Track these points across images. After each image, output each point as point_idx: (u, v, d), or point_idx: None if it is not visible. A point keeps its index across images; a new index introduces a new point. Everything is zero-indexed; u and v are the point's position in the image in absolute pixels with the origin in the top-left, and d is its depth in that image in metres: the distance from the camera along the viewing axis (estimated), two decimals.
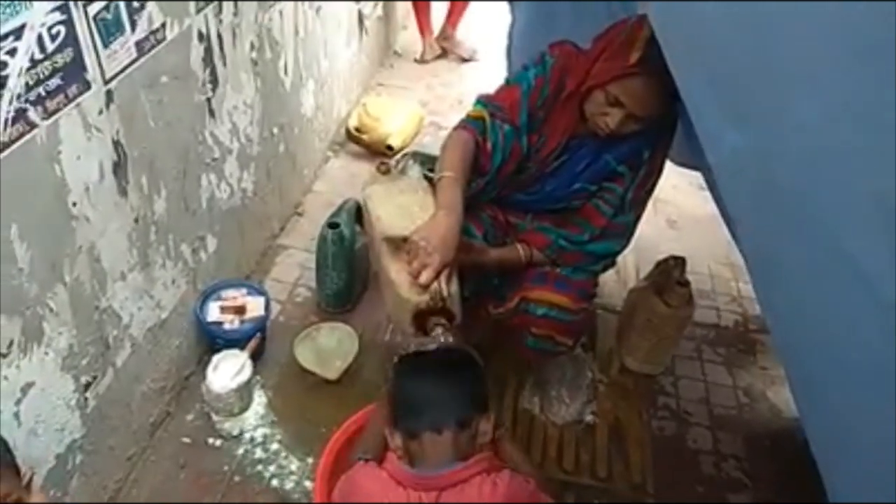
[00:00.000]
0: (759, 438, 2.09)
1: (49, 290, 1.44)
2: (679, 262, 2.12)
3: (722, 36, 0.95)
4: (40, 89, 1.32)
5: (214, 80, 1.98)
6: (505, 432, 1.45)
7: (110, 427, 1.72)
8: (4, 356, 1.34)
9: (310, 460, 1.91)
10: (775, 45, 0.85)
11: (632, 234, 1.86)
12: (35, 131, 1.32)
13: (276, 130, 2.46)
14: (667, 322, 2.10)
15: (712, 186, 1.76)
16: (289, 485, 1.86)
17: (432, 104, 3.55)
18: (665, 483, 1.95)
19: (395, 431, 1.32)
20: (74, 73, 1.40)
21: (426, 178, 2.50)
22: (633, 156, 1.72)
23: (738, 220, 1.18)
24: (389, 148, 2.99)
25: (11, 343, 1.35)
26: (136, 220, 1.71)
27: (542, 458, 1.98)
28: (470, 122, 1.70)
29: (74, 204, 1.47)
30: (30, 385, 1.42)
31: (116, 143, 1.58)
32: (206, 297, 2.08)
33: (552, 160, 1.75)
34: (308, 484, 1.86)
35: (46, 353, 1.46)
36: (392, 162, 2.45)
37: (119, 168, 1.60)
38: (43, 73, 1.32)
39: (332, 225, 2.18)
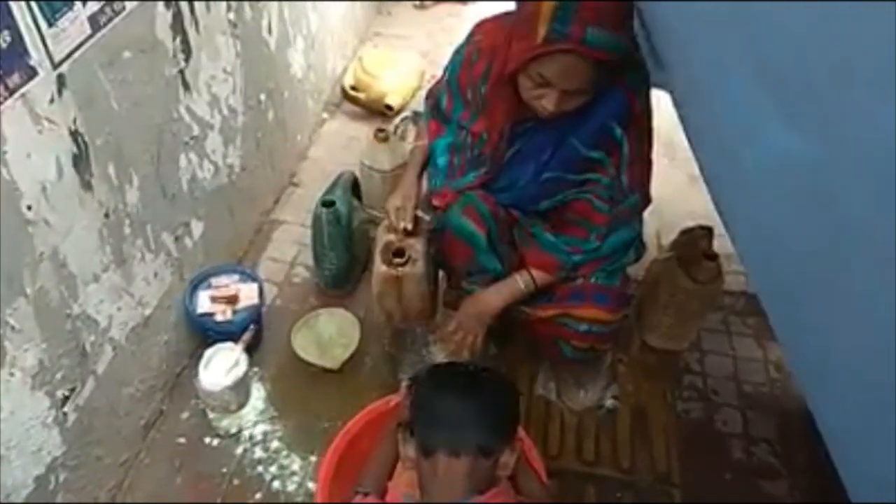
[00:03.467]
0: (792, 419, 1.94)
1: (8, 306, 1.29)
2: (706, 232, 1.94)
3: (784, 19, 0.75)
4: None
5: (187, 49, 1.78)
6: (519, 456, 1.32)
7: (96, 438, 1.61)
8: None
9: (312, 459, 1.80)
10: (855, 41, 0.65)
11: (645, 198, 1.67)
12: None
13: (262, 97, 2.26)
14: (693, 298, 1.93)
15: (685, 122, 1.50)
16: (291, 486, 1.75)
17: (433, 54, 3.30)
18: (692, 471, 1.82)
19: (409, 440, 1.20)
20: (14, 59, 1.22)
21: None
22: (603, 137, 1.52)
23: (769, 228, 1.00)
24: (388, 108, 2.78)
25: None
26: (107, 215, 1.55)
27: (559, 448, 1.85)
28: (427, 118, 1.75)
29: (29, 208, 1.31)
30: None
31: (75, 134, 1.40)
32: (194, 286, 1.94)
33: (503, 150, 1.60)
34: (311, 485, 1.75)
35: (12, 375, 1.32)
36: (390, 128, 2.26)
37: (80, 160, 1.43)
38: None
39: (327, 203, 2.01)
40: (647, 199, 1.67)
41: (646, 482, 1.79)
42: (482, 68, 1.56)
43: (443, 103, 1.69)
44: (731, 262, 2.31)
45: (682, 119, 1.26)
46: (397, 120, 2.31)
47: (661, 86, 1.64)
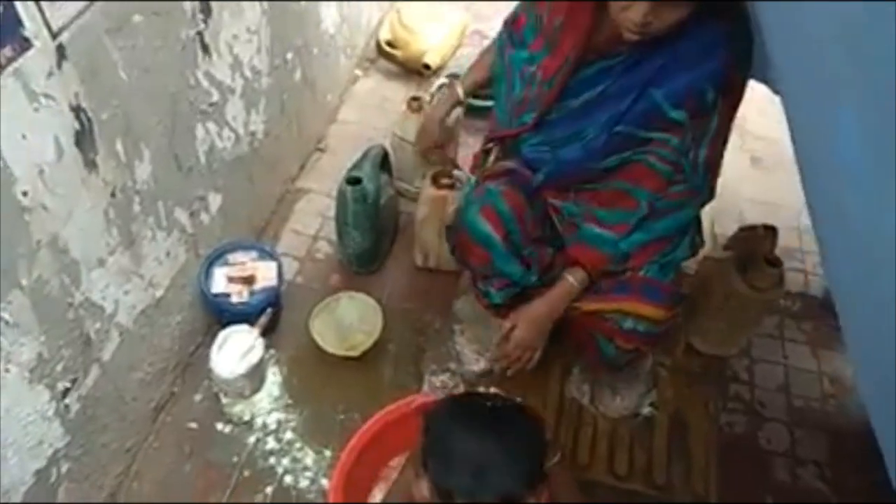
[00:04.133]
0: (845, 440, 1.79)
1: (2, 300, 1.19)
2: (769, 233, 1.75)
3: None
4: None
5: (206, 9, 1.61)
6: (559, 463, 1.21)
7: (101, 426, 1.53)
8: None
9: (327, 453, 1.71)
10: None
11: (711, 191, 1.51)
12: None
13: (289, 56, 2.09)
14: (748, 305, 1.76)
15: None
16: (303, 482, 1.67)
17: (477, 5, 3.07)
18: (731, 492, 1.69)
19: (423, 476, 1.09)
20: (5, 30, 1.08)
21: (467, 106, 2.15)
22: (691, 96, 1.34)
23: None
24: (426, 67, 2.59)
25: None
26: (113, 195, 1.43)
27: (589, 458, 1.73)
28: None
29: (25, 193, 1.19)
30: None
31: (76, 109, 1.27)
32: (210, 263, 1.83)
33: (560, 78, 1.43)
34: (324, 482, 1.66)
35: (7, 370, 1.23)
36: (425, 96, 2.08)
37: (83, 138, 1.30)
38: None
39: (353, 180, 1.86)
40: (712, 192, 1.51)
41: (682, 502, 1.67)
42: None
43: (518, 17, 1.54)
44: (790, 259, 2.14)
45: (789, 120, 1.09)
46: (433, 87, 2.13)
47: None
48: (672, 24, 1.23)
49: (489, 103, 1.70)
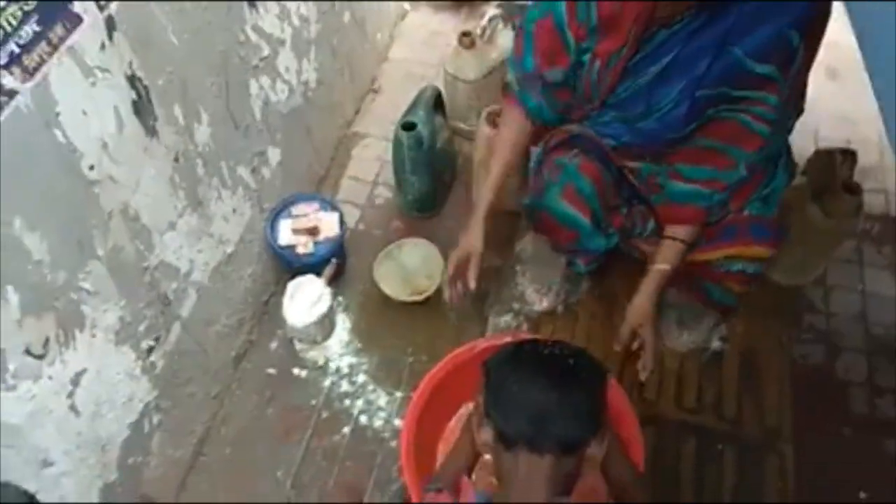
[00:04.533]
0: None
1: (80, 270, 1.25)
2: (848, 157, 1.65)
3: None
4: (11, 45, 1.03)
5: None
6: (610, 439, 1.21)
7: (186, 378, 1.62)
8: (43, 357, 1.20)
9: (398, 394, 1.77)
10: None
11: (800, 110, 1.42)
12: (16, 101, 1.06)
13: None
14: (825, 234, 1.69)
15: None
16: (377, 422, 1.74)
17: None
18: (806, 425, 1.67)
19: (486, 424, 1.08)
20: (55, 8, 1.09)
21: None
22: (778, 46, 1.20)
23: None
24: None
25: (47, 341, 1.20)
26: (176, 160, 1.46)
27: (657, 393, 1.74)
28: (508, 90, 1.47)
29: (91, 167, 1.23)
30: (81, 373, 1.29)
31: (132, 79, 1.29)
32: (274, 216, 1.87)
33: (622, 58, 1.29)
34: (398, 422, 1.73)
35: (93, 336, 1.31)
36: (476, 30, 2.01)
37: (142, 106, 1.33)
38: (9, 23, 1.03)
39: (407, 126, 1.84)
40: (801, 110, 1.41)
41: (753, 436, 1.66)
42: None
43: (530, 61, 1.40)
44: (869, 179, 2.02)
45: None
46: (484, 20, 2.05)
47: None
48: None
49: None
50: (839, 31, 2.29)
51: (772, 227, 1.42)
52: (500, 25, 2.05)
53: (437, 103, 1.98)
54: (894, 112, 0.91)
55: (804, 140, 2.12)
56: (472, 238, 1.50)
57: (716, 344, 1.78)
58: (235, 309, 1.80)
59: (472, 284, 1.49)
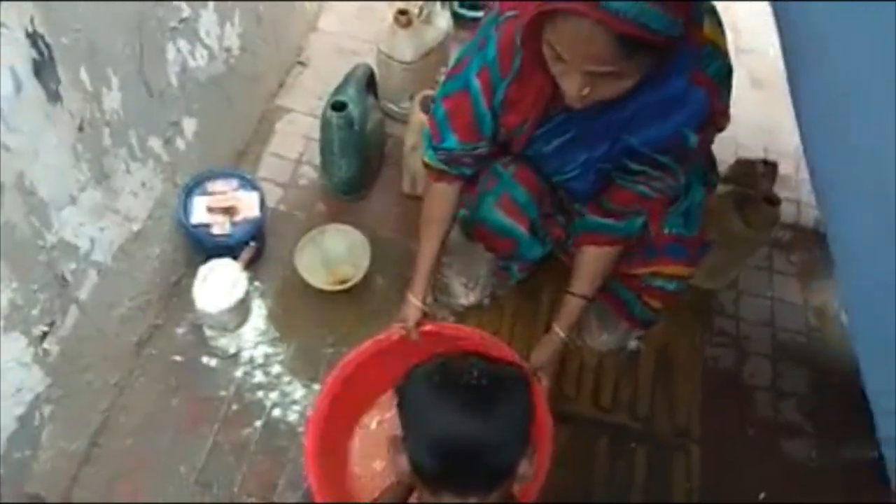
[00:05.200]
0: (826, 374, 1.83)
1: None
2: (770, 169, 1.70)
3: None
4: None
5: None
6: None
7: (83, 365, 1.49)
8: None
9: (316, 387, 1.70)
10: None
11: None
12: None
13: None
14: (743, 242, 1.74)
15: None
16: (292, 416, 1.67)
17: None
18: (713, 425, 1.73)
19: (403, 452, 0.98)
20: None
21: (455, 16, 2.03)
22: (674, 143, 1.19)
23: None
24: None
25: None
26: (81, 128, 1.32)
27: (575, 391, 1.75)
28: (434, 161, 1.40)
29: None
30: None
31: (33, 36, 1.14)
32: (188, 192, 1.74)
33: (525, 133, 1.29)
34: None
35: None
36: (413, 9, 1.93)
37: (43, 68, 1.18)
38: None
39: (338, 105, 1.75)
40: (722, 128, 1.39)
41: (663, 435, 1.71)
42: (506, 52, 1.21)
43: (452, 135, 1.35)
44: (783, 188, 2.10)
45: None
46: None
47: None
48: (617, 95, 1.06)
49: (478, 14, 1.56)
50: (766, 41, 2.39)
51: (691, 247, 1.44)
52: (439, 7, 1.98)
53: (370, 83, 1.90)
54: (812, 124, 0.93)
55: (725, 147, 2.17)
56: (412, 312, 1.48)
57: (633, 343, 1.82)
58: (140, 291, 1.66)
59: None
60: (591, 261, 1.40)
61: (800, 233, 2.07)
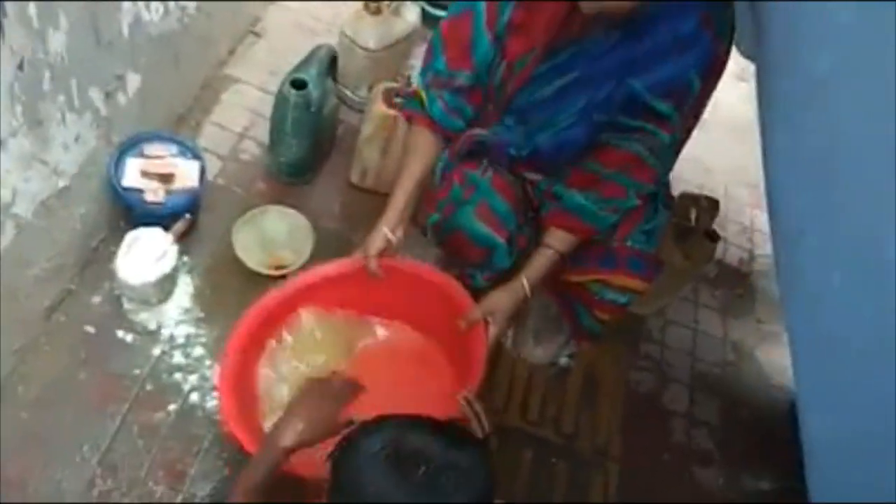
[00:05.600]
0: (737, 406, 1.92)
1: None
2: (713, 206, 1.77)
3: None
4: None
5: None
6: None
7: None
8: None
9: None
10: None
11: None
12: None
13: None
14: (679, 274, 1.80)
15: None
16: (210, 402, 1.57)
17: None
18: (631, 447, 1.77)
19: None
20: None
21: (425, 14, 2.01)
22: (677, 87, 1.24)
23: None
24: None
25: None
26: (21, 67, 1.20)
27: (505, 403, 1.75)
28: (408, 106, 1.42)
29: None
30: None
31: None
32: (122, 152, 1.61)
33: (528, 65, 1.29)
34: None
35: None
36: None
37: None
38: None
39: (297, 83, 1.68)
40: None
41: (584, 452, 1.74)
42: None
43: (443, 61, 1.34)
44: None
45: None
46: None
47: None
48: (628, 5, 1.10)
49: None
50: (722, 81, 2.49)
51: (649, 263, 1.48)
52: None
53: (330, 66, 1.83)
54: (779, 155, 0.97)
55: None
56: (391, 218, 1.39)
57: (563, 360, 1.84)
58: (58, 252, 1.53)
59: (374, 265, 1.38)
60: (561, 235, 1.39)
61: (724, 269, 2.16)
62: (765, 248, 2.23)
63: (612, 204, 1.38)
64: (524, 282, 1.39)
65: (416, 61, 2.00)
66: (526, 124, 1.39)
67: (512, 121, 1.41)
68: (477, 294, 1.45)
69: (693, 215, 1.77)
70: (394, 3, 1.88)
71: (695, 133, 2.51)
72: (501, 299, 1.39)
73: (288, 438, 1.05)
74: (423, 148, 1.39)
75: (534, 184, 1.47)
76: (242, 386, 1.39)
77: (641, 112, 1.27)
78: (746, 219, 2.31)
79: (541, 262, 1.41)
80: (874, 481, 0.85)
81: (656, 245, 1.47)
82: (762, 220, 2.28)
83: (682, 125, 1.33)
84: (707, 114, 2.44)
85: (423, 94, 1.37)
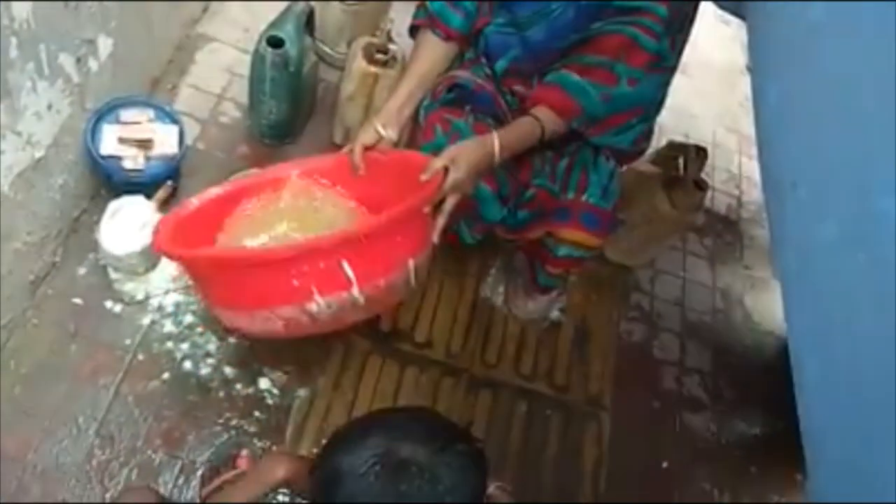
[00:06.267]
0: (726, 352, 1.94)
1: None
2: (701, 155, 1.75)
3: None
4: None
5: None
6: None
7: None
8: None
9: (231, 340, 1.61)
10: None
11: (665, 94, 1.47)
12: None
13: None
14: (667, 223, 1.79)
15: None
16: (204, 370, 1.57)
17: None
18: (623, 396, 1.80)
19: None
20: None
21: None
22: None
23: None
24: None
25: None
26: None
27: (497, 357, 1.76)
28: (415, 16, 1.41)
29: None
30: None
31: None
32: (98, 118, 1.57)
33: None
34: (228, 370, 1.58)
35: None
36: None
37: None
38: None
39: (274, 42, 1.62)
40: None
41: (577, 404, 1.76)
42: None
43: None
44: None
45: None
46: None
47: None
48: None
49: None
50: (704, 25, 2.44)
51: (604, 219, 1.46)
52: None
53: (307, 22, 1.77)
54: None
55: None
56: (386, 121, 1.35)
57: (554, 314, 1.85)
58: (39, 224, 1.50)
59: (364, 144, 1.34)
60: (545, 111, 1.36)
61: (712, 217, 2.16)
62: (752, 194, 2.23)
63: (603, 90, 1.34)
64: (495, 136, 1.31)
65: (397, 14, 1.95)
66: (517, 22, 1.38)
67: (503, 20, 1.40)
68: (445, 261, 1.44)
69: (681, 164, 1.76)
70: None
71: (679, 78, 2.50)
72: (467, 146, 1.28)
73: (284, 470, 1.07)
74: (425, 50, 1.39)
75: (521, 95, 1.44)
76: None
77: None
78: (734, 166, 2.30)
79: (518, 125, 1.36)
80: (866, 422, 0.86)
81: (612, 201, 1.46)
82: (750, 167, 2.28)
83: (679, 11, 1.31)
84: (689, 57, 2.45)
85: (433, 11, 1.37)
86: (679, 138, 2.14)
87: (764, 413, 1.84)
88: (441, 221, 1.22)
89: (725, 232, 2.15)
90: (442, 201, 1.24)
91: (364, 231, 1.13)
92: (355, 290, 1.09)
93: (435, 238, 1.22)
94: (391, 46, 1.70)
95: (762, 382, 1.87)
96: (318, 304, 1.09)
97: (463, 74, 1.42)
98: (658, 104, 1.46)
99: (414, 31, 1.44)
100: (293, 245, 1.24)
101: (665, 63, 1.37)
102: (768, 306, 2.04)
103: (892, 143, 0.64)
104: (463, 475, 0.81)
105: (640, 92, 1.35)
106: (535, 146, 1.38)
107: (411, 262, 1.15)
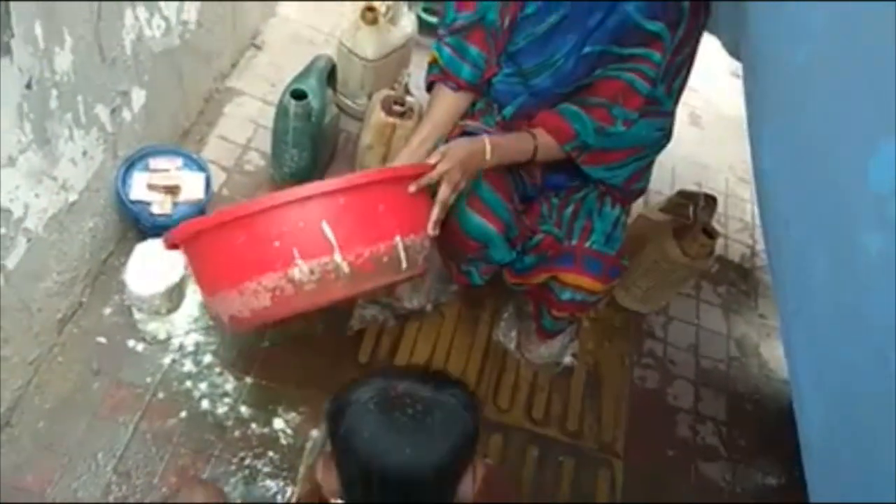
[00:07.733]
0: (742, 401, 1.93)
1: None
2: (710, 203, 1.79)
3: None
4: None
5: None
6: (491, 468, 1.17)
7: (2, 338, 1.39)
8: None
9: (248, 380, 1.65)
10: None
11: (671, 128, 1.51)
12: None
13: None
14: (678, 270, 1.81)
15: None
16: (221, 409, 1.60)
17: None
18: (637, 443, 1.79)
19: (332, 473, 0.93)
20: None
21: (421, 21, 2.04)
22: (668, 7, 1.29)
23: None
24: None
25: None
26: (29, 86, 1.23)
27: (510, 402, 1.78)
28: (430, 71, 1.49)
29: None
30: None
31: None
32: (129, 166, 1.65)
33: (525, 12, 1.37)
34: (244, 409, 1.61)
35: None
36: (381, 7, 1.91)
37: None
38: None
39: (298, 94, 1.71)
40: (670, 134, 1.51)
41: (589, 450, 1.76)
42: None
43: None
44: (713, 220, 2.20)
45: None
46: None
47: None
48: None
49: None
50: (702, 81, 2.51)
51: (606, 265, 1.48)
52: (405, 8, 1.97)
53: (329, 75, 1.86)
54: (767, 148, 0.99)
55: (662, 179, 2.28)
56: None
57: (567, 359, 1.86)
58: (69, 265, 1.57)
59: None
60: (542, 132, 1.40)
61: (725, 265, 2.18)
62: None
63: (598, 124, 1.40)
64: (486, 138, 1.34)
65: (413, 69, 2.05)
66: (522, 72, 1.44)
67: (510, 70, 1.46)
68: (461, 295, 1.48)
69: (691, 211, 1.79)
70: (390, 13, 1.91)
71: (691, 130, 2.56)
72: (458, 142, 1.31)
73: None
74: (438, 101, 1.46)
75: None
76: None
77: (633, 36, 1.33)
78: (747, 215, 2.32)
79: (512, 134, 1.41)
80: (869, 474, 0.86)
81: (616, 247, 1.48)
82: None
83: (672, 51, 1.34)
84: (702, 111, 2.52)
85: (436, 52, 1.44)
86: (691, 187, 2.18)
87: (779, 463, 1.81)
88: (436, 211, 1.23)
89: (739, 281, 2.16)
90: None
91: (340, 183, 1.11)
92: (337, 256, 1.09)
93: (431, 229, 1.22)
94: (408, 98, 1.78)
95: (778, 432, 1.85)
96: (300, 268, 1.09)
97: (472, 124, 1.48)
98: (655, 146, 1.50)
99: (430, 86, 1.51)
100: (271, 196, 1.15)
101: (661, 108, 1.42)
102: (784, 355, 2.02)
103: (865, 178, 0.67)
104: (455, 414, 0.88)
105: (635, 133, 1.41)
106: (535, 174, 1.46)
107: (399, 240, 1.15)
